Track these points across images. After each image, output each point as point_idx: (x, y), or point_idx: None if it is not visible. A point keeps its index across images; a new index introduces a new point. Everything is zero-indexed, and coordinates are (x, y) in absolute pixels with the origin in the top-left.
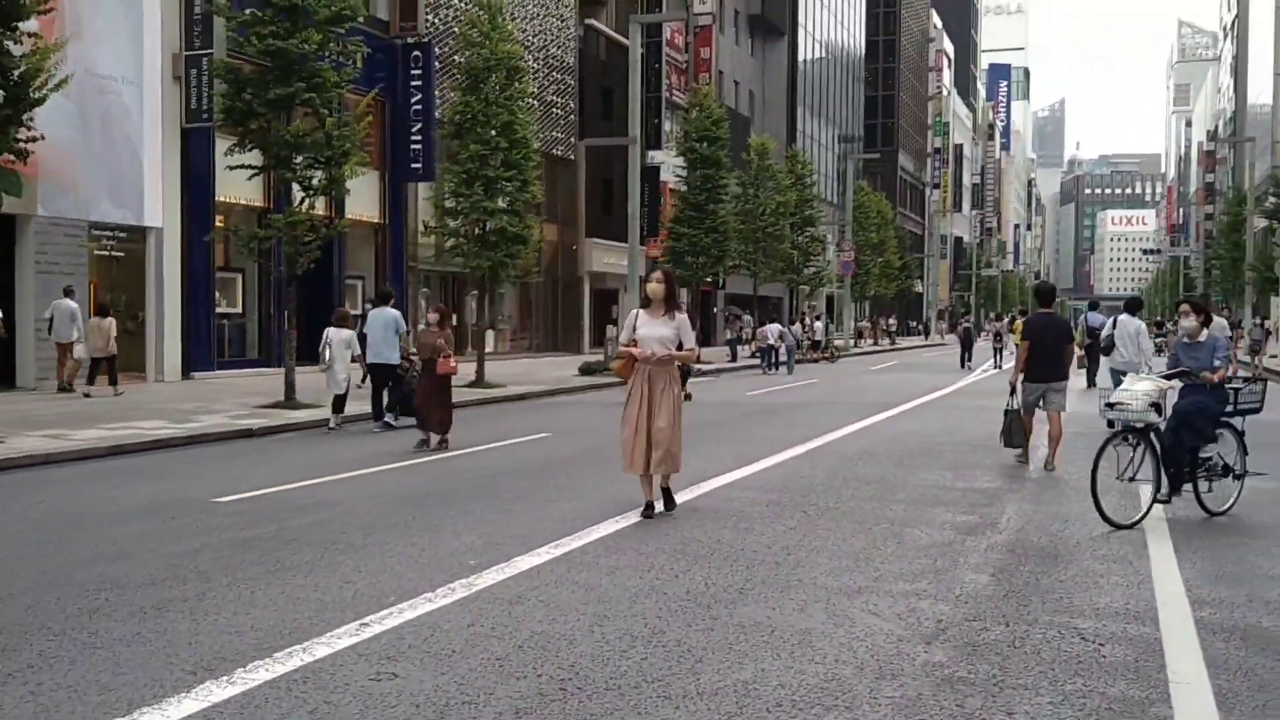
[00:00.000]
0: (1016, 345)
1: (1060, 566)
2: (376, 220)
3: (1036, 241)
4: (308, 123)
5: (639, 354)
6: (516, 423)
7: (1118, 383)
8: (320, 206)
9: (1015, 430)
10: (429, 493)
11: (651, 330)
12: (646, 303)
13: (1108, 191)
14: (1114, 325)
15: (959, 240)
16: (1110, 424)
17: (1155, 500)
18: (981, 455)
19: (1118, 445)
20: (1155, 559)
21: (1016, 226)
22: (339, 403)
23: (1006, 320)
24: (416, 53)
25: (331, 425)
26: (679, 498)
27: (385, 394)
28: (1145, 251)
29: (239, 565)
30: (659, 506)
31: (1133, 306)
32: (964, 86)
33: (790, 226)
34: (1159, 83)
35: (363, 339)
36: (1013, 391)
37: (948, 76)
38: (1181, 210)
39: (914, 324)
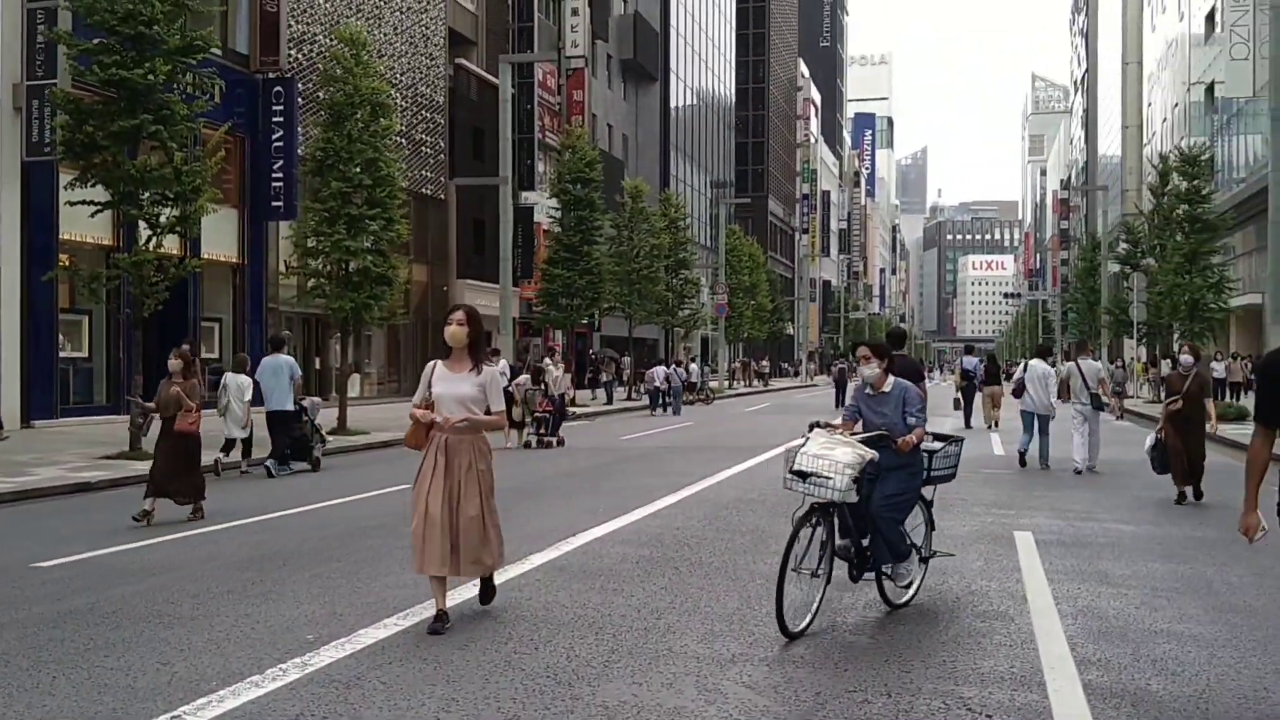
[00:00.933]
0: None
1: (941, 625)
2: (235, 260)
3: (901, 285)
4: (156, 157)
5: (422, 417)
6: (377, 473)
7: (1029, 425)
8: (174, 246)
9: None
10: (274, 554)
11: (450, 387)
12: (447, 351)
13: (968, 237)
14: (1024, 370)
15: (827, 284)
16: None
17: (824, 593)
18: None
19: (808, 527)
20: (1036, 613)
21: (882, 271)
22: (246, 447)
23: None
24: (278, 88)
25: (218, 472)
26: (542, 555)
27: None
28: (1005, 295)
29: (45, 645)
30: (461, 605)
31: (1043, 353)
32: (830, 135)
33: (665, 269)
34: (1015, 133)
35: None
36: None
37: (815, 125)
38: (1039, 255)
39: (785, 365)
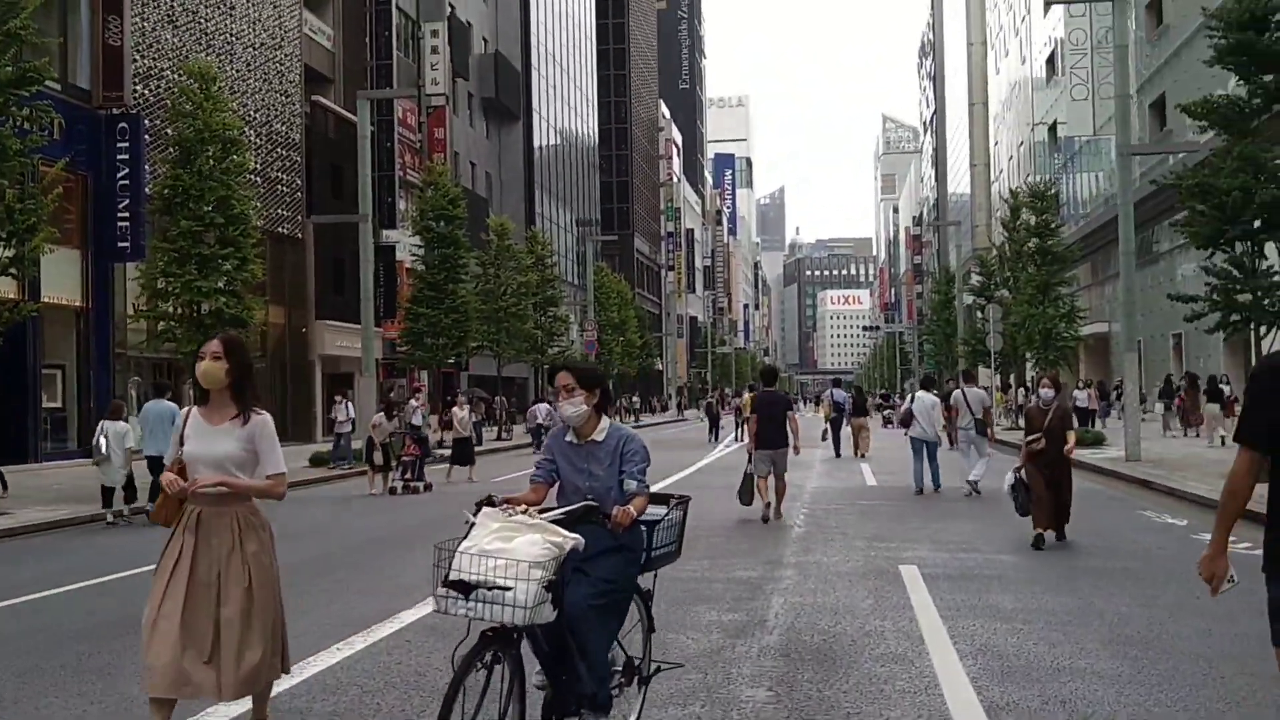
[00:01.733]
0: (747, 418)
1: (841, 672)
2: (78, 304)
3: (764, 320)
4: None
5: (170, 486)
6: None
7: (919, 452)
8: (10, 289)
9: (747, 490)
10: (112, 621)
11: (204, 444)
12: (205, 396)
13: (826, 273)
14: (912, 400)
15: (694, 320)
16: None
17: None
18: (737, 540)
19: (478, 670)
20: (935, 654)
21: (746, 306)
22: (108, 496)
23: (746, 395)
24: (123, 124)
25: (110, 519)
26: (412, 612)
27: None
28: (864, 329)
29: None
30: (324, 673)
31: (927, 384)
32: (692, 174)
33: (533, 306)
34: (868, 173)
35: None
36: (750, 458)
37: (677, 164)
38: (894, 290)
39: (654, 400)
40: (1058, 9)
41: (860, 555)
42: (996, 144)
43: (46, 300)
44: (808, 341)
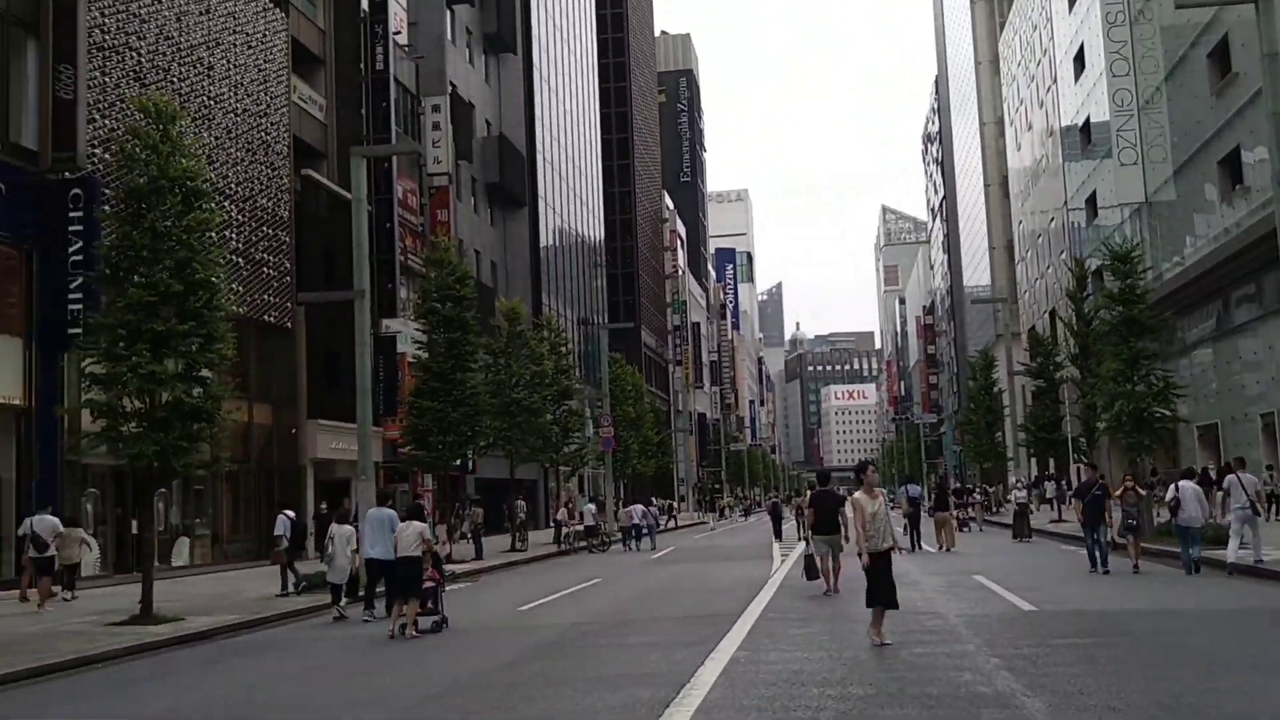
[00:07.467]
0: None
1: None
2: (18, 402)
3: (769, 417)
4: None
5: None
6: (172, 695)
7: (1184, 537)
8: None
9: (811, 569)
10: None
11: None
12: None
13: (828, 368)
14: (1177, 489)
15: (702, 416)
16: None
17: None
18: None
19: None
20: None
21: (752, 403)
22: (338, 592)
23: (804, 497)
24: (76, 190)
25: (336, 615)
26: None
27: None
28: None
29: None
30: None
31: (1188, 474)
32: (696, 268)
33: (546, 399)
34: (866, 264)
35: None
36: (807, 543)
37: (682, 257)
38: (902, 382)
39: (666, 502)
40: (1088, 80)
41: None
42: (1020, 223)
43: None
44: (812, 438)
